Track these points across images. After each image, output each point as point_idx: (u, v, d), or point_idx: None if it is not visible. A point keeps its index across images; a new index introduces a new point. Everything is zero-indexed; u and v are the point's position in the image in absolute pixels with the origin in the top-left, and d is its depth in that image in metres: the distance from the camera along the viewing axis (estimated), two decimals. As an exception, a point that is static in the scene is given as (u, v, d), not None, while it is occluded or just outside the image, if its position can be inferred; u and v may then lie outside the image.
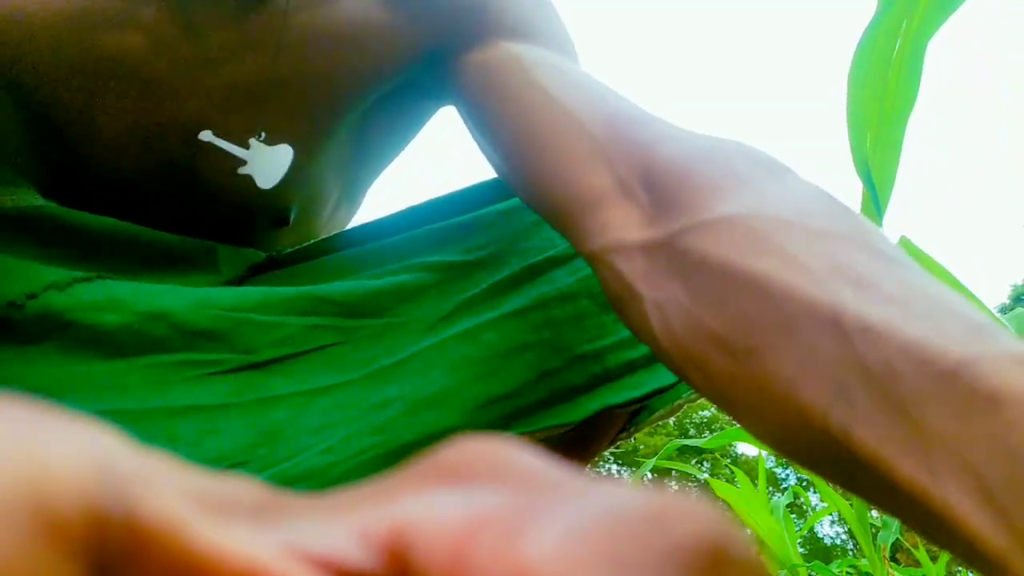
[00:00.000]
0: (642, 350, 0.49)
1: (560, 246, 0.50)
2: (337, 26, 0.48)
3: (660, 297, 0.33)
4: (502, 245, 0.51)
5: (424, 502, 0.09)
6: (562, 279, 0.49)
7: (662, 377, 0.48)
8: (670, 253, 0.33)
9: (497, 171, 0.48)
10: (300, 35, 0.48)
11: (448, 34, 0.49)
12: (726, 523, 0.09)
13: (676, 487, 0.10)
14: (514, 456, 0.10)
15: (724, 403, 0.31)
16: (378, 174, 0.62)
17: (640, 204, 0.36)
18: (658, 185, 0.35)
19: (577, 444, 0.52)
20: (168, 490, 0.08)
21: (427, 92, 0.53)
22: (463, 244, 0.51)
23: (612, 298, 0.37)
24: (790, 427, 0.27)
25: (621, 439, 0.55)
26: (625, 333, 0.49)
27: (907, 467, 0.22)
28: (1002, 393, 0.21)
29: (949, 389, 0.22)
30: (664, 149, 0.37)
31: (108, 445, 0.08)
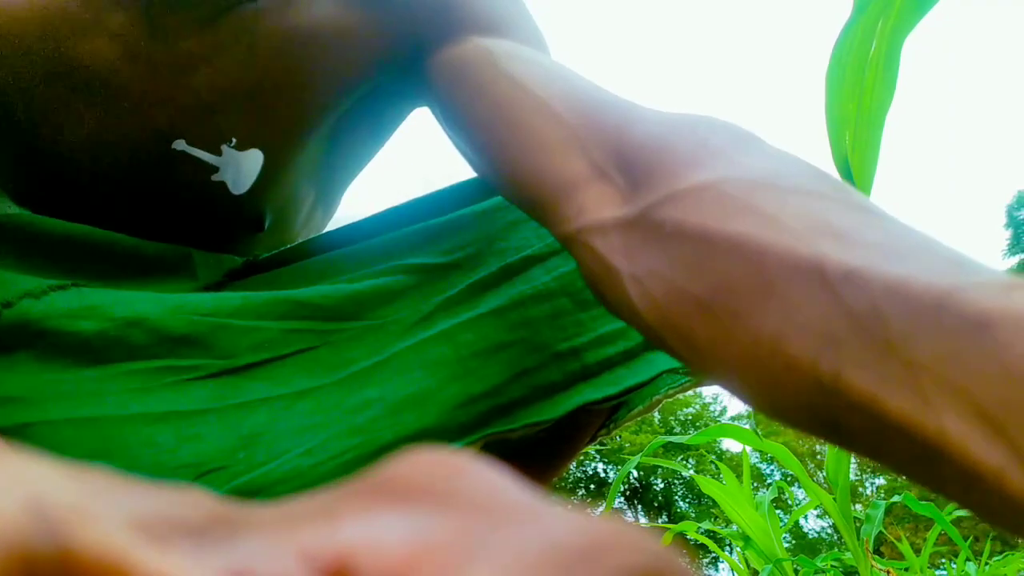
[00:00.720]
0: (619, 347, 0.49)
1: (536, 245, 0.50)
2: (308, 30, 0.48)
3: (638, 270, 0.33)
4: (479, 246, 0.51)
5: (369, 526, 0.09)
6: (539, 277, 0.49)
7: (639, 373, 0.49)
8: (646, 226, 0.33)
9: (473, 166, 0.49)
10: (271, 40, 0.48)
11: (419, 33, 0.49)
12: (665, 554, 0.09)
13: (626, 522, 0.10)
14: (461, 472, 0.10)
15: (710, 368, 0.31)
16: (353, 177, 0.62)
17: (615, 185, 0.36)
18: (631, 165, 0.36)
19: (558, 442, 0.53)
20: (106, 519, 0.08)
21: (400, 94, 0.53)
22: (440, 246, 0.51)
23: (590, 278, 0.37)
24: (779, 383, 0.27)
25: (601, 436, 0.55)
26: (602, 330, 0.49)
27: (900, 401, 0.22)
28: (991, 315, 0.20)
29: (936, 319, 0.22)
30: (635, 130, 0.37)
31: (41, 481, 0.08)
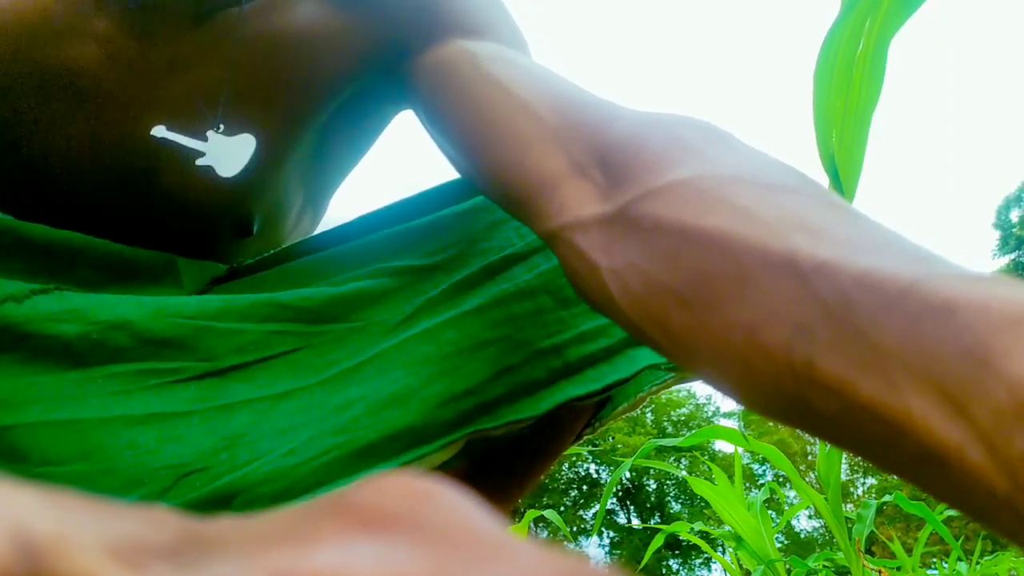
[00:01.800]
0: (601, 343, 0.49)
1: (518, 244, 0.51)
2: (292, 32, 0.49)
3: (617, 264, 0.34)
4: (461, 247, 0.51)
5: (341, 553, 0.09)
6: (521, 276, 0.49)
7: (621, 369, 0.49)
8: (625, 222, 0.34)
9: (456, 167, 0.49)
10: (255, 42, 0.48)
11: (403, 35, 0.49)
12: None
13: (592, 561, 0.10)
14: (431, 500, 0.11)
15: (688, 358, 0.31)
16: (340, 181, 0.62)
17: (595, 182, 0.37)
18: (610, 162, 0.37)
19: (542, 440, 0.53)
20: (83, 546, 0.08)
21: (385, 96, 0.54)
22: (423, 248, 0.51)
23: (571, 274, 0.38)
24: (754, 370, 0.27)
25: (586, 434, 0.56)
26: (584, 327, 0.49)
27: (868, 385, 0.23)
28: (954, 302, 0.21)
29: (902, 307, 0.22)
30: (614, 129, 0.38)
31: (23, 510, 0.09)
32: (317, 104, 0.51)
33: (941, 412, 0.21)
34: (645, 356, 0.49)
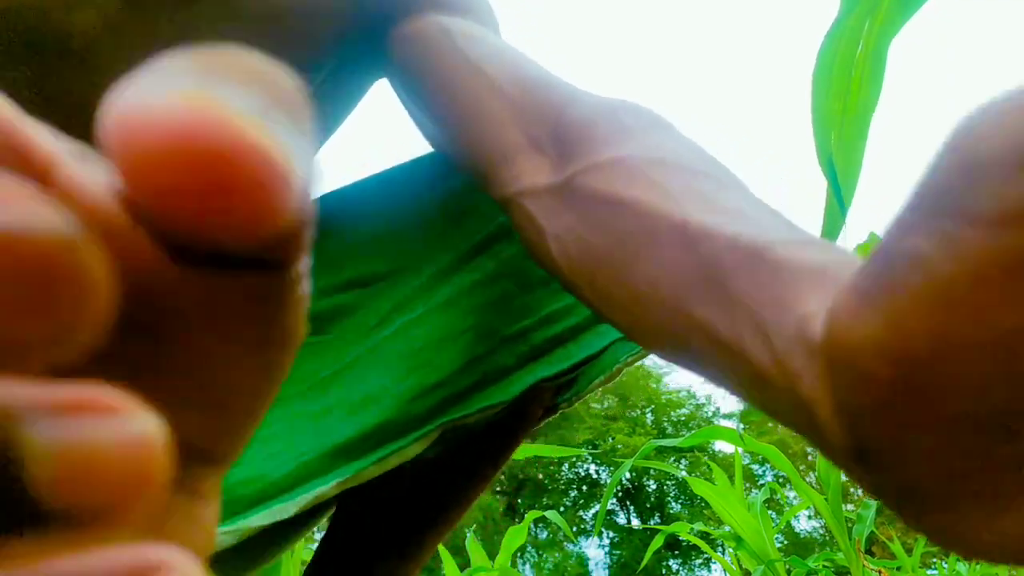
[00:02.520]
0: (566, 323, 0.52)
1: (477, 237, 0.53)
2: (284, 2, 0.50)
3: (559, 229, 0.38)
4: (425, 243, 0.53)
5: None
6: (485, 264, 0.52)
7: (589, 347, 0.52)
8: (568, 191, 0.39)
9: (426, 136, 0.53)
10: (249, 12, 0.49)
11: (384, 6, 0.52)
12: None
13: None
14: None
15: (610, 311, 0.36)
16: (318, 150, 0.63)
17: (548, 156, 0.42)
18: (563, 140, 0.41)
19: (512, 419, 0.54)
20: None
21: (364, 66, 0.56)
22: (386, 252, 0.54)
23: (524, 237, 0.42)
24: (655, 321, 0.32)
25: (562, 408, 0.57)
26: (547, 310, 0.52)
27: (723, 326, 0.28)
28: (785, 261, 0.26)
29: (753, 264, 0.27)
30: (570, 110, 0.42)
31: None
32: (310, 73, 0.53)
33: (760, 343, 0.26)
34: (613, 331, 0.52)
